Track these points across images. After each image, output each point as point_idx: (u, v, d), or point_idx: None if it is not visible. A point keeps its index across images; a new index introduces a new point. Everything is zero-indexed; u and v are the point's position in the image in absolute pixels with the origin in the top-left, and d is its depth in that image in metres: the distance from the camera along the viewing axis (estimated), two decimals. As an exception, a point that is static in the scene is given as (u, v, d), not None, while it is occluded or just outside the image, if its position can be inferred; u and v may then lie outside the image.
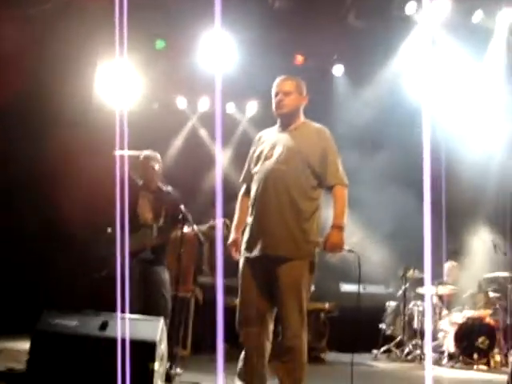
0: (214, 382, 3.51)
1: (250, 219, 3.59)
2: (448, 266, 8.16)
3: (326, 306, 7.13)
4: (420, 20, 7.47)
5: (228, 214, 3.89)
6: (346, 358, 6.62)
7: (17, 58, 6.35)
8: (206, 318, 6.64)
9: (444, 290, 7.71)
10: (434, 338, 7.34)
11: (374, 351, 7.58)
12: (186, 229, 4.65)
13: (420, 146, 2.73)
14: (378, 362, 7.24)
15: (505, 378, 5.40)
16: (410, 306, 7.75)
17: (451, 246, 8.36)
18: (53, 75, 6.98)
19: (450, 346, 7.12)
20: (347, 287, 8.40)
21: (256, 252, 3.47)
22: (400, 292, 7.81)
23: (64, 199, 6.86)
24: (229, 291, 4.49)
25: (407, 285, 7.69)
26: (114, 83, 7.79)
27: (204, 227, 4.85)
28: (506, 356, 6.90)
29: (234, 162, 8.49)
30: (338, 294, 8.40)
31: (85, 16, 7.07)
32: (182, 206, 4.53)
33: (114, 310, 3.91)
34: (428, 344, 6.15)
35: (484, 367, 6.74)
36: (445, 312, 7.62)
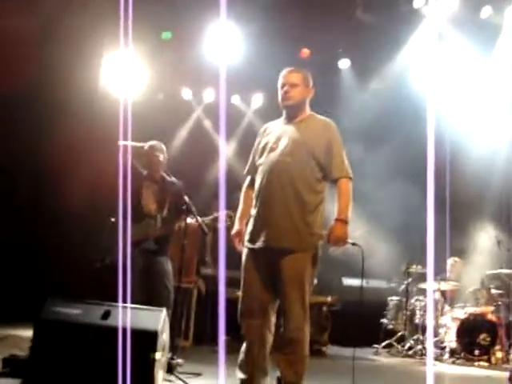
0: (215, 373, 3.54)
1: (253, 211, 3.59)
2: (451, 262, 8.16)
3: (329, 299, 7.14)
4: (427, 14, 7.44)
5: (232, 206, 3.89)
6: (347, 352, 6.64)
7: (23, 47, 6.35)
8: (208, 309, 6.67)
9: (446, 285, 7.71)
10: (436, 334, 7.35)
11: (376, 346, 7.59)
12: (189, 220, 4.65)
13: (425, 141, 2.72)
14: (379, 356, 7.25)
15: (505, 374, 5.41)
16: (412, 301, 7.75)
17: (458, 244, 8.36)
18: (59, 66, 6.98)
19: (451, 341, 7.12)
20: (350, 281, 8.41)
21: (259, 244, 3.47)
22: (402, 287, 7.81)
23: (68, 188, 6.88)
24: (231, 283, 4.50)
25: (410, 280, 7.69)
26: (120, 74, 7.78)
27: (208, 219, 4.84)
28: (507, 353, 6.92)
29: (239, 154, 8.50)
30: (340, 287, 8.41)
31: (91, 6, 7.06)
32: (186, 197, 4.53)
33: (116, 299, 3.92)
34: (430, 339, 6.15)
35: (485, 364, 6.75)
36: (447, 308, 7.62)
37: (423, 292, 7.82)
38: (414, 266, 7.57)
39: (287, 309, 3.42)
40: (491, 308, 7.19)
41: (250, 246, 3.54)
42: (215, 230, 5.41)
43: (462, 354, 6.94)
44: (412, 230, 7.27)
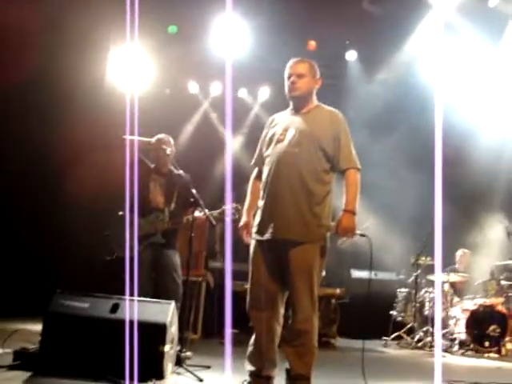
0: (223, 366, 3.55)
1: (261, 202, 3.57)
2: (460, 253, 8.14)
3: (337, 291, 7.12)
4: (435, 3, 7.38)
5: (240, 198, 3.88)
6: (356, 344, 6.64)
7: (29, 40, 6.36)
8: (216, 302, 6.68)
9: (456, 277, 7.69)
10: (445, 326, 7.33)
11: (385, 338, 7.58)
12: (197, 213, 4.64)
13: (433, 131, 2.71)
14: (388, 348, 7.24)
15: (516, 365, 5.39)
16: (422, 293, 7.74)
17: (467, 235, 8.33)
18: (66, 59, 6.99)
19: (461, 333, 7.10)
20: (358, 273, 8.40)
21: (267, 235, 3.46)
22: (411, 279, 7.79)
23: (76, 182, 6.90)
24: (240, 276, 4.51)
25: (419, 271, 7.67)
26: (126, 68, 7.79)
27: (215, 212, 4.84)
28: (517, 344, 6.88)
29: (246, 148, 8.49)
30: (349, 280, 8.41)
31: (98, 1, 7.06)
32: (194, 190, 4.52)
33: (125, 292, 3.93)
34: (438, 331, 6.14)
35: (495, 355, 6.72)
36: (456, 299, 7.60)
37: (432, 284, 7.81)
38: (423, 258, 7.54)
39: (295, 300, 3.42)
40: (501, 299, 7.16)
41: (258, 237, 3.53)
42: (224, 223, 5.41)
43: (472, 346, 6.91)
44: (421, 221, 7.24)
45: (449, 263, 7.82)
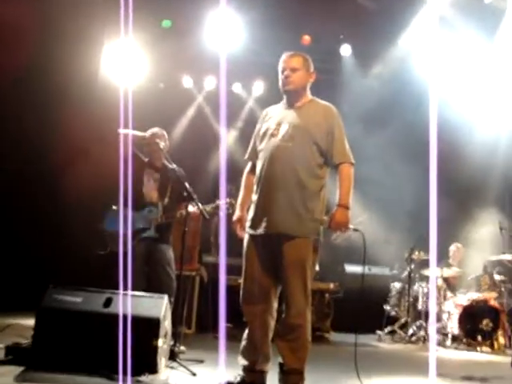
0: (217, 360, 3.55)
1: (255, 197, 3.57)
2: (453, 248, 8.17)
3: (331, 286, 7.13)
4: (429, -2, 7.38)
5: (234, 193, 3.88)
6: (350, 338, 6.65)
7: (23, 36, 6.32)
8: (210, 296, 6.68)
9: (449, 272, 7.72)
10: (439, 320, 7.36)
11: (378, 332, 7.60)
12: (190, 207, 4.64)
13: (428, 126, 2.71)
14: (381, 342, 7.26)
15: (508, 359, 5.43)
16: (415, 287, 7.76)
17: (460, 230, 8.36)
18: (60, 55, 6.96)
19: (454, 327, 7.14)
20: (352, 268, 8.41)
21: (261, 230, 3.46)
22: (405, 273, 7.81)
23: (69, 176, 6.88)
24: (234, 271, 4.51)
25: (412, 266, 7.69)
26: (120, 62, 7.76)
27: (209, 207, 4.83)
28: (509, 338, 6.93)
29: (240, 142, 8.48)
30: (343, 274, 8.42)
31: (92, -6, 7.03)
32: (187, 184, 4.52)
33: (118, 287, 3.93)
34: (433, 325, 6.16)
35: (487, 349, 6.77)
36: (449, 294, 7.63)
37: (426, 278, 7.83)
38: (417, 253, 7.56)
39: (289, 294, 3.42)
40: (494, 294, 7.20)
41: (252, 232, 3.52)
42: (219, 218, 5.40)
43: (465, 340, 6.95)
44: (415, 216, 7.27)
45: (442, 258, 7.85)
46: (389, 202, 8.26)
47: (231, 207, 4.51)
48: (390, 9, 7.65)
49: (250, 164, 3.78)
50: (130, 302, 3.79)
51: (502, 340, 6.89)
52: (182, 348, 4.62)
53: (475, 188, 8.67)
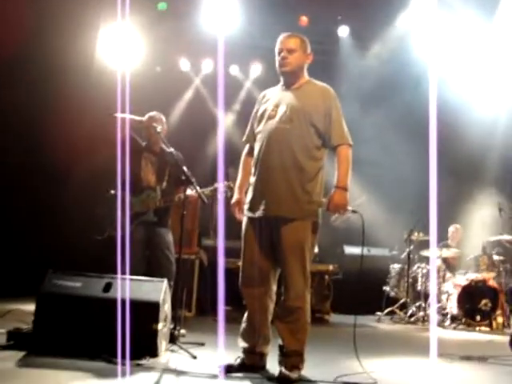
0: (217, 343, 3.57)
1: (253, 179, 3.56)
2: (452, 229, 8.18)
3: (330, 268, 7.15)
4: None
5: (234, 176, 3.87)
6: (349, 320, 6.68)
7: (18, 20, 6.27)
8: (209, 280, 6.70)
9: (448, 252, 7.74)
10: (438, 301, 7.40)
11: (378, 313, 7.64)
12: (189, 191, 4.62)
13: (427, 107, 2.69)
14: (381, 323, 7.30)
15: (506, 338, 5.44)
16: (414, 268, 7.80)
17: (459, 211, 8.37)
18: (55, 38, 6.90)
19: (453, 307, 7.17)
20: (351, 250, 8.44)
21: (259, 212, 3.45)
22: (404, 254, 7.83)
23: (67, 160, 6.87)
24: (233, 253, 4.52)
25: (411, 247, 7.71)
26: (117, 46, 7.70)
27: (207, 190, 4.82)
28: (508, 318, 6.96)
29: (238, 125, 8.45)
30: (342, 256, 8.45)
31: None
32: (185, 168, 4.50)
33: (117, 271, 3.93)
34: (433, 305, 6.18)
35: (486, 329, 6.81)
36: (448, 275, 7.67)
37: (425, 259, 7.87)
38: (416, 234, 7.58)
39: (287, 277, 3.42)
40: (492, 274, 7.23)
41: (250, 214, 3.52)
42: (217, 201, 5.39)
43: (464, 320, 6.99)
44: (414, 197, 7.25)
45: (441, 239, 7.86)
46: (387, 184, 8.26)
47: (230, 190, 4.49)
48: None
49: (247, 146, 3.76)
50: (129, 287, 3.80)
51: (500, 320, 6.93)
52: (182, 331, 4.63)
53: (474, 169, 8.67)
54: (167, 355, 3.96)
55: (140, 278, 4.12)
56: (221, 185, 4.63)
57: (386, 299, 7.90)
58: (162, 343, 3.93)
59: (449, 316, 7.21)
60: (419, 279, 7.67)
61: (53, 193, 7.24)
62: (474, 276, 7.20)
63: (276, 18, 7.75)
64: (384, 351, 4.87)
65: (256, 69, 9.31)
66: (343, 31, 8.76)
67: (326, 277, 7.17)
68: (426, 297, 7.46)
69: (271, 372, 3.52)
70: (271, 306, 3.56)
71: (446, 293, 7.38)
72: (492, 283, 7.09)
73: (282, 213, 3.41)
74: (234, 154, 4.16)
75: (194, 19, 8.09)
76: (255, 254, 3.48)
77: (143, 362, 3.56)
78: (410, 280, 7.71)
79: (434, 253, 7.19)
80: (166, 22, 8.11)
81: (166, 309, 4.05)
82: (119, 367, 3.31)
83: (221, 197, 4.54)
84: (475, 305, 6.95)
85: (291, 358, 3.42)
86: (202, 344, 4.43)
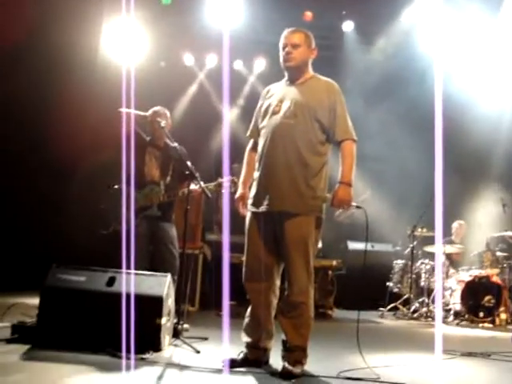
0: (221, 338, 3.57)
1: (256, 174, 3.56)
2: (455, 225, 8.17)
3: (334, 263, 7.15)
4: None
5: (239, 172, 3.87)
6: (353, 315, 6.64)
7: (21, 13, 6.27)
8: (213, 274, 6.71)
9: (452, 248, 7.73)
10: (441, 296, 7.38)
11: (381, 309, 7.64)
12: (192, 186, 4.63)
13: (432, 102, 2.68)
14: (384, 319, 7.30)
15: (509, 335, 5.45)
16: (418, 264, 7.79)
17: (463, 206, 8.35)
18: (59, 32, 6.90)
19: (456, 303, 7.17)
20: (355, 245, 8.43)
21: (263, 207, 3.45)
22: (408, 250, 7.83)
23: (71, 156, 6.87)
24: (237, 248, 4.52)
25: (415, 243, 7.70)
26: (121, 40, 7.69)
27: (211, 185, 4.82)
28: (511, 314, 6.95)
29: (242, 120, 8.44)
30: (346, 251, 8.45)
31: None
32: (189, 163, 4.50)
33: (121, 265, 3.94)
34: (439, 301, 6.17)
35: (489, 325, 6.80)
36: (452, 271, 7.66)
37: (428, 255, 7.86)
38: (420, 229, 7.57)
39: (291, 272, 3.42)
40: (496, 270, 7.22)
41: (254, 209, 3.52)
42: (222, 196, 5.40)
43: (467, 316, 6.99)
44: (418, 193, 7.25)
45: (445, 235, 7.85)
46: (391, 179, 8.25)
47: (233, 185, 4.49)
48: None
49: (251, 141, 3.75)
50: (133, 281, 3.81)
51: (503, 316, 6.91)
52: (186, 326, 4.64)
53: (478, 165, 8.65)
54: (171, 349, 3.97)
55: (144, 272, 4.13)
56: (225, 179, 4.63)
57: (389, 295, 7.90)
58: (166, 338, 3.94)
59: (452, 312, 7.21)
60: (422, 275, 7.67)
61: (57, 188, 7.25)
62: (477, 272, 7.19)
63: (280, 13, 7.74)
64: (387, 347, 4.88)
65: (260, 64, 9.30)
66: (348, 26, 8.75)
67: (330, 272, 7.17)
68: (430, 293, 7.46)
69: (274, 367, 3.53)
70: (274, 301, 3.56)
71: (450, 289, 7.37)
72: (496, 279, 7.08)
73: (285, 208, 3.41)
74: (238, 149, 4.16)
75: (199, 14, 8.09)
76: (259, 248, 3.48)
77: (147, 356, 3.57)
78: (414, 276, 7.70)
79: (439, 248, 7.18)
80: (170, 17, 8.11)
81: (170, 303, 4.06)
82: (123, 361, 3.32)
83: (225, 192, 4.54)
84: (478, 301, 6.95)
85: (294, 352, 3.43)
86: (206, 338, 4.44)
